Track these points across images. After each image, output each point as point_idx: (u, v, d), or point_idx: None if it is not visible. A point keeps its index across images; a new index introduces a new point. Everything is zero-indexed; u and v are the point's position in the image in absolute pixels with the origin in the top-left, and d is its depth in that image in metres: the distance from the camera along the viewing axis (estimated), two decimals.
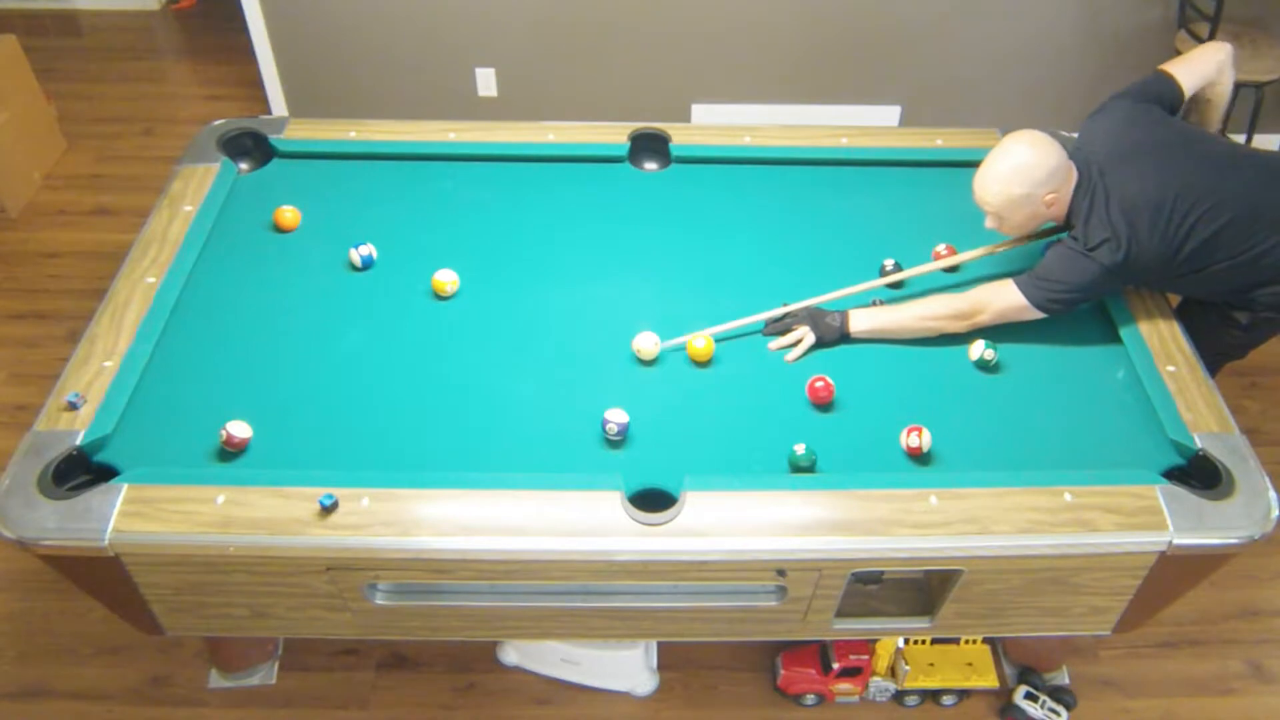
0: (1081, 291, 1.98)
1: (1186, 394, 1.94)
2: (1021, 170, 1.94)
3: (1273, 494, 1.77)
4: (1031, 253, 2.21)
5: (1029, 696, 2.31)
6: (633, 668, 2.34)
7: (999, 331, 2.06)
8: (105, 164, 4.02)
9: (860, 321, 2.07)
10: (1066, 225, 2.06)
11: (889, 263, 2.23)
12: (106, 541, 1.66)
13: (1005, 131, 2.04)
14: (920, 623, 2.00)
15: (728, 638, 2.26)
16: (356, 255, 2.21)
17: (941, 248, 2.25)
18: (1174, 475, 1.82)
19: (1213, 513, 1.73)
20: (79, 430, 1.81)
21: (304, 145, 2.51)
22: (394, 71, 3.94)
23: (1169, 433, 1.88)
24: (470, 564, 1.73)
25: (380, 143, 2.52)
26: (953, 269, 2.24)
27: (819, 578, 1.80)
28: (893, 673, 2.33)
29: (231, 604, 1.87)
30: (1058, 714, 2.29)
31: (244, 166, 2.49)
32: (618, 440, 1.87)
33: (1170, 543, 1.72)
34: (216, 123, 2.54)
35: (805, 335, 2.06)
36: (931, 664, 2.32)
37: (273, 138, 2.52)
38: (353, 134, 2.54)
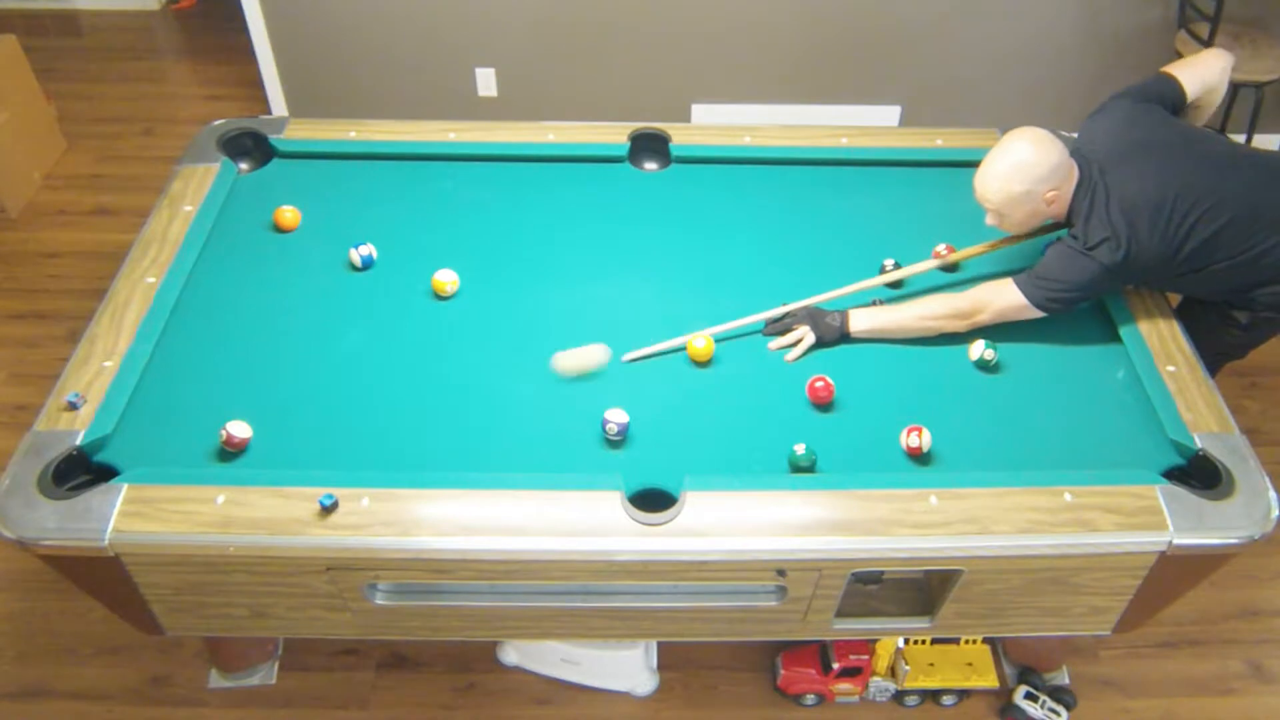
0: (1081, 291, 1.98)
1: (1186, 394, 1.94)
2: (1023, 167, 1.94)
3: (1273, 494, 1.77)
4: (1032, 252, 2.21)
5: (1029, 696, 2.31)
6: (633, 668, 2.34)
7: (999, 331, 2.06)
8: (105, 164, 4.02)
9: (860, 321, 2.07)
10: (1066, 224, 2.05)
11: (889, 263, 2.23)
12: (106, 541, 1.66)
13: (1005, 131, 2.04)
14: (920, 623, 2.00)
15: (728, 638, 2.26)
16: (356, 255, 2.21)
17: (941, 248, 2.25)
18: (1174, 475, 1.82)
19: (1213, 513, 1.73)
20: (79, 430, 1.81)
21: (304, 145, 2.52)
22: (394, 71, 3.94)
23: (1169, 433, 1.88)
24: (470, 564, 1.74)
25: (380, 143, 2.52)
26: (952, 268, 2.24)
27: (819, 578, 1.80)
28: (893, 673, 2.33)
29: (231, 604, 1.87)
30: (1058, 714, 2.29)
31: (244, 166, 2.49)
32: (618, 440, 1.87)
33: (1170, 543, 1.72)
34: (216, 123, 2.54)
35: (805, 335, 2.06)
36: (931, 664, 2.32)
37: (273, 138, 2.52)
38: (353, 134, 2.54)
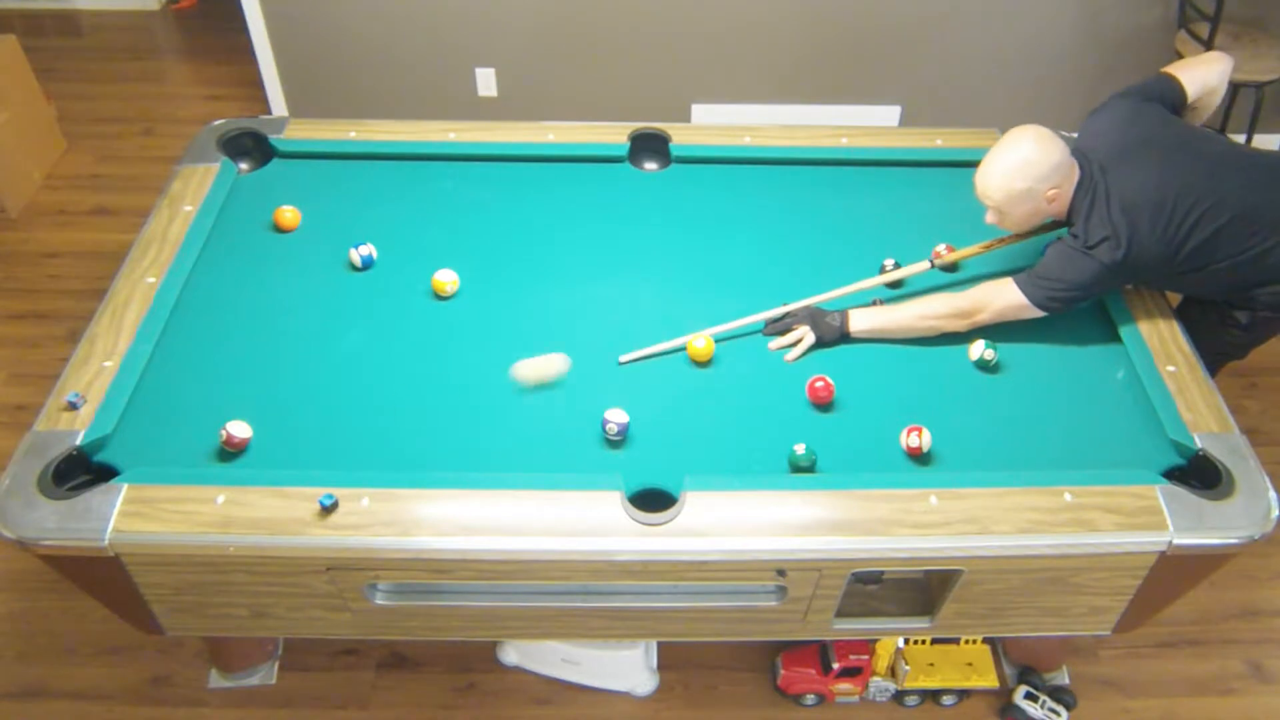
0: (1082, 290, 1.98)
1: (1186, 394, 1.94)
2: (1024, 165, 1.94)
3: (1273, 494, 1.77)
4: (1032, 252, 2.21)
5: (1029, 696, 2.31)
6: (633, 668, 2.34)
7: (999, 331, 2.06)
8: (105, 164, 4.02)
9: (860, 321, 2.07)
10: (1067, 223, 2.05)
11: (889, 263, 2.23)
12: (106, 541, 1.66)
13: (1005, 131, 2.04)
14: (920, 623, 2.00)
15: (728, 638, 2.26)
16: (356, 255, 2.21)
17: (941, 248, 2.25)
18: (1174, 475, 1.82)
19: (1213, 513, 1.73)
20: (79, 430, 1.81)
21: (304, 145, 2.52)
22: (394, 71, 3.94)
23: (1169, 433, 1.88)
24: (470, 564, 1.74)
25: (380, 143, 2.52)
26: (952, 268, 2.24)
27: (819, 578, 1.80)
28: (893, 673, 2.33)
29: (231, 604, 1.87)
30: (1058, 714, 2.29)
31: (244, 166, 2.49)
32: (618, 440, 1.87)
33: (1170, 543, 1.72)
34: (216, 123, 2.54)
35: (805, 335, 2.06)
36: (931, 664, 2.32)
37: (273, 138, 2.52)
38: (353, 134, 2.54)
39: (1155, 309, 2.13)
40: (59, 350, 3.17)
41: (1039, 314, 2.01)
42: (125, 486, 1.71)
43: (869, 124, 3.57)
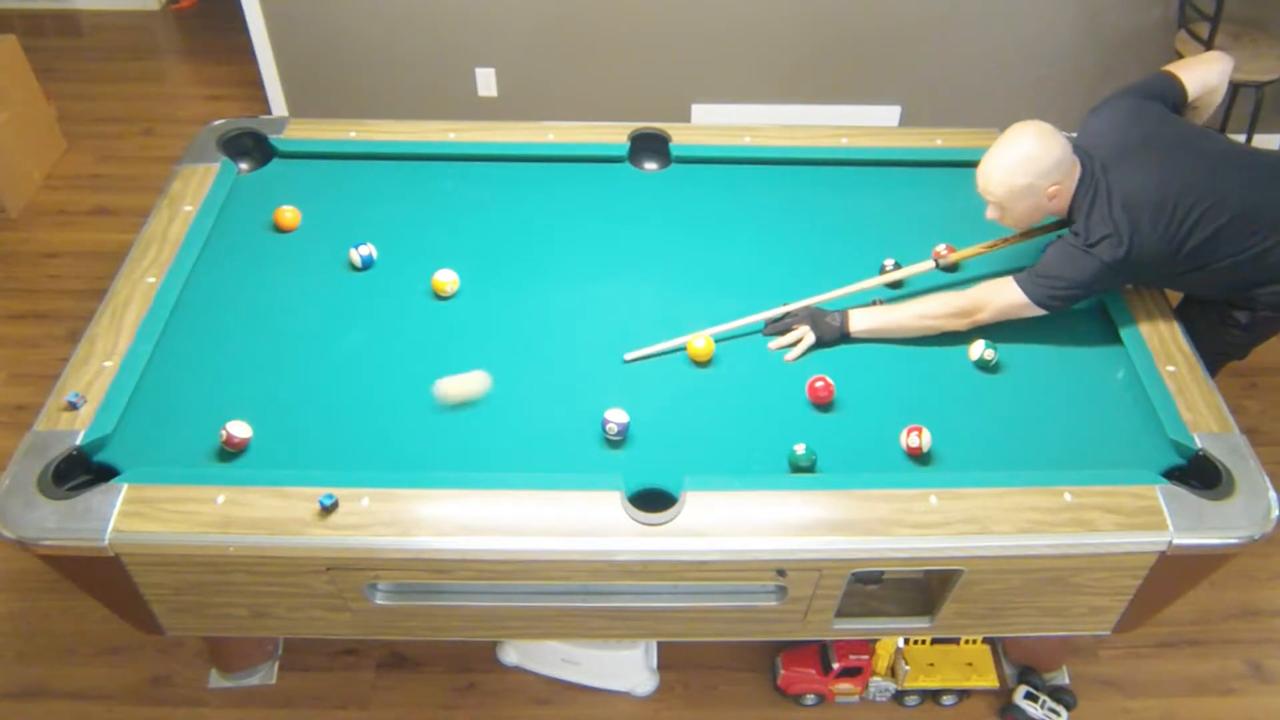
0: (1082, 288, 1.98)
1: (1186, 394, 1.94)
2: (1026, 161, 1.93)
3: (1273, 494, 1.77)
4: (1032, 253, 2.21)
5: (1029, 696, 2.31)
6: (633, 668, 2.34)
7: (999, 331, 2.06)
8: (105, 164, 4.02)
9: (860, 321, 2.07)
10: (1068, 220, 2.05)
11: (889, 263, 2.23)
12: (106, 541, 1.66)
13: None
14: (920, 623, 2.00)
15: (728, 638, 2.26)
16: (356, 255, 2.21)
17: (941, 248, 2.25)
18: (1174, 475, 1.82)
19: (1213, 513, 1.73)
20: (79, 430, 1.81)
21: (304, 145, 2.52)
22: (394, 71, 3.94)
23: (1169, 433, 1.88)
24: (470, 564, 1.74)
25: (380, 143, 2.52)
26: (952, 268, 2.24)
27: (819, 578, 1.80)
28: (893, 673, 2.33)
29: (231, 604, 1.87)
30: (1058, 714, 2.29)
31: (244, 166, 2.49)
32: (618, 440, 1.87)
33: (1170, 543, 1.72)
34: (216, 123, 2.54)
35: (805, 335, 2.06)
36: (931, 664, 2.32)
37: (273, 138, 2.52)
38: (353, 134, 2.54)
39: (1155, 309, 2.13)
40: (59, 350, 3.17)
41: (1039, 312, 2.01)
42: (125, 486, 1.71)
43: (869, 124, 3.57)
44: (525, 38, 3.83)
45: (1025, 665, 2.41)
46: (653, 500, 1.76)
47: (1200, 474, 1.82)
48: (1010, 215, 2.02)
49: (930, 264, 2.18)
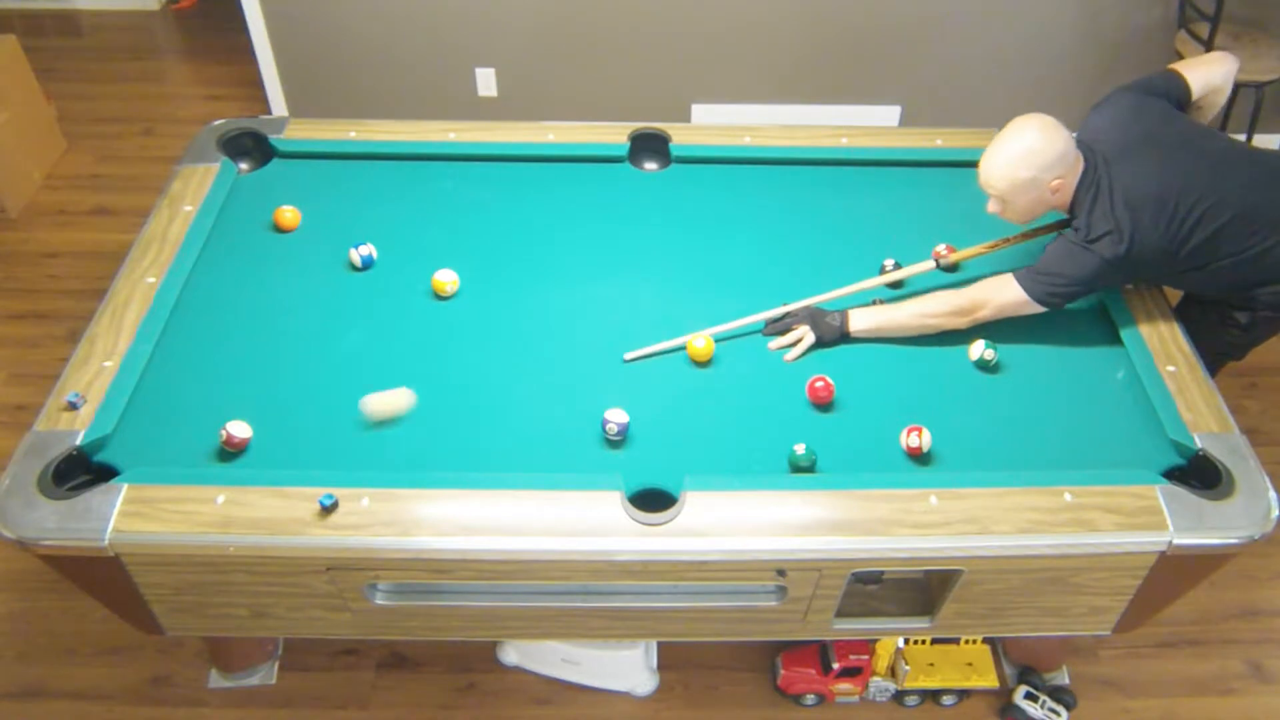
0: (1082, 285, 1.97)
1: (1186, 394, 1.94)
2: (1030, 154, 1.92)
3: (1273, 494, 1.77)
4: (1034, 254, 2.21)
5: (1029, 696, 2.31)
6: (633, 668, 2.34)
7: (999, 331, 2.06)
8: (105, 164, 4.02)
9: (860, 321, 2.07)
10: (1069, 215, 2.04)
11: (889, 263, 2.23)
12: (106, 541, 1.66)
13: None
14: (920, 623, 2.00)
15: (728, 638, 2.26)
16: (356, 255, 2.21)
17: (941, 248, 2.25)
18: (1174, 475, 1.82)
19: (1213, 513, 1.73)
20: (79, 430, 1.81)
21: (304, 145, 2.51)
22: (394, 71, 3.94)
23: (1169, 433, 1.88)
24: (470, 564, 1.73)
25: (380, 143, 2.52)
26: (952, 269, 2.24)
27: (819, 578, 1.80)
28: (893, 673, 2.33)
29: (231, 604, 1.87)
30: (1058, 714, 2.29)
31: (244, 166, 2.49)
32: (618, 440, 1.87)
33: (1170, 543, 1.72)
34: (216, 123, 2.54)
35: (805, 335, 2.06)
36: (931, 664, 2.32)
37: (273, 138, 2.52)
38: (353, 134, 2.54)
39: (1155, 309, 2.13)
40: (59, 350, 3.17)
41: (1040, 309, 2.01)
42: (125, 486, 1.71)
43: (869, 124, 3.57)
44: (525, 38, 3.83)
45: (1025, 665, 2.41)
46: (653, 500, 1.76)
47: (1200, 474, 1.82)
48: (1012, 209, 2.01)
49: (931, 264, 2.18)
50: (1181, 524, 1.72)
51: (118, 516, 1.68)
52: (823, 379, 1.94)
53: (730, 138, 2.57)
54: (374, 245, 2.23)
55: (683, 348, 2.05)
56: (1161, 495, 1.75)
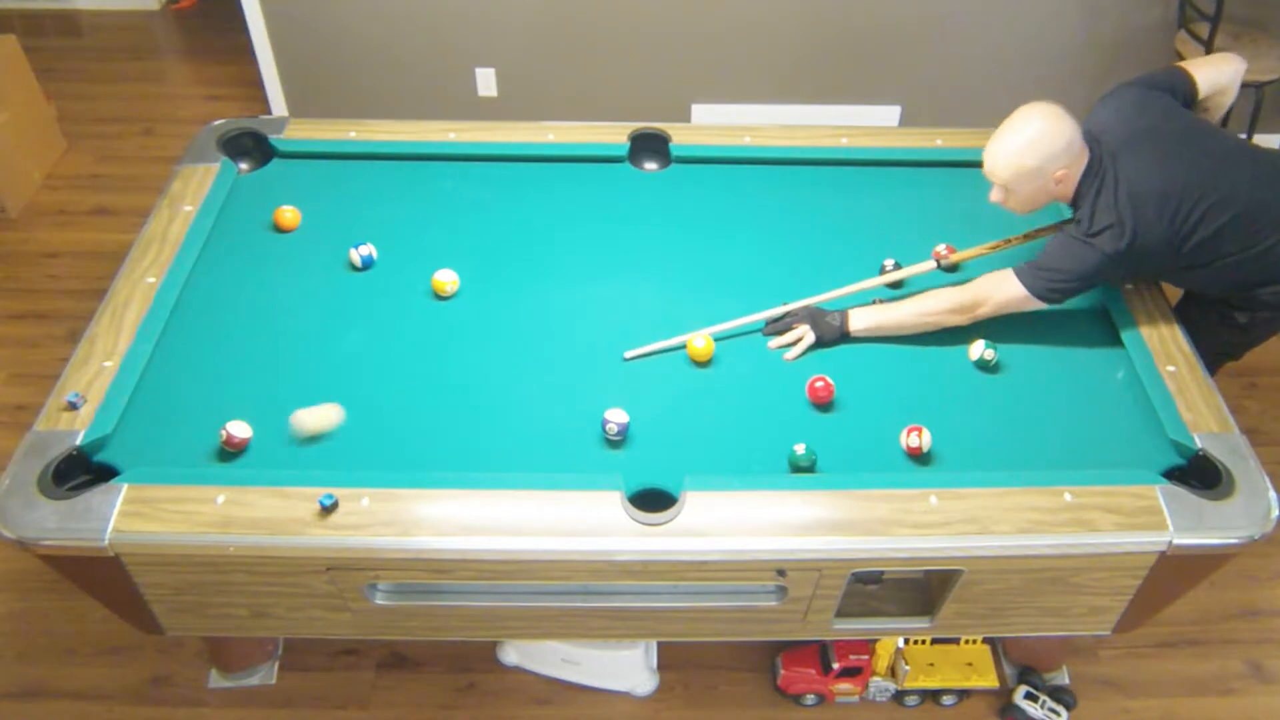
0: (1083, 280, 1.96)
1: (1186, 394, 1.94)
2: (1036, 142, 1.90)
3: (1273, 494, 1.77)
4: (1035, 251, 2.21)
5: (1029, 696, 2.31)
6: (633, 668, 2.34)
7: (999, 331, 2.06)
8: (105, 164, 4.02)
9: (860, 320, 2.07)
10: (1072, 207, 2.02)
11: (889, 263, 2.23)
12: (106, 541, 1.66)
13: None
14: (920, 623, 2.00)
15: (728, 638, 2.26)
16: (356, 255, 2.21)
17: (942, 248, 2.25)
18: (1174, 475, 1.82)
19: (1213, 513, 1.73)
20: (79, 430, 1.81)
21: (304, 145, 2.52)
22: (394, 71, 3.94)
23: (1169, 433, 1.88)
24: (470, 564, 1.74)
25: (380, 143, 2.52)
26: (952, 269, 2.24)
27: (819, 578, 1.80)
28: (893, 673, 2.33)
29: (231, 604, 1.87)
30: (1058, 714, 2.29)
31: (244, 166, 2.49)
32: (618, 440, 1.87)
33: (1170, 543, 1.72)
34: (216, 123, 2.54)
35: (805, 334, 2.06)
36: (931, 664, 2.32)
37: (273, 138, 2.52)
38: (353, 134, 2.54)
39: (1155, 309, 2.13)
40: (59, 350, 3.17)
41: (1040, 305, 2.00)
42: (125, 486, 1.71)
43: (869, 124, 3.57)
44: (525, 38, 3.83)
45: (1025, 665, 2.41)
46: (653, 500, 1.76)
47: (1200, 474, 1.82)
48: (1015, 198, 1.98)
49: (931, 264, 2.18)
50: (1181, 524, 1.72)
51: (118, 516, 1.68)
52: (823, 379, 1.94)
53: (730, 138, 2.57)
54: (374, 245, 2.23)
55: (683, 347, 2.05)
56: (1161, 495, 1.75)
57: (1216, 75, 2.13)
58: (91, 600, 1.95)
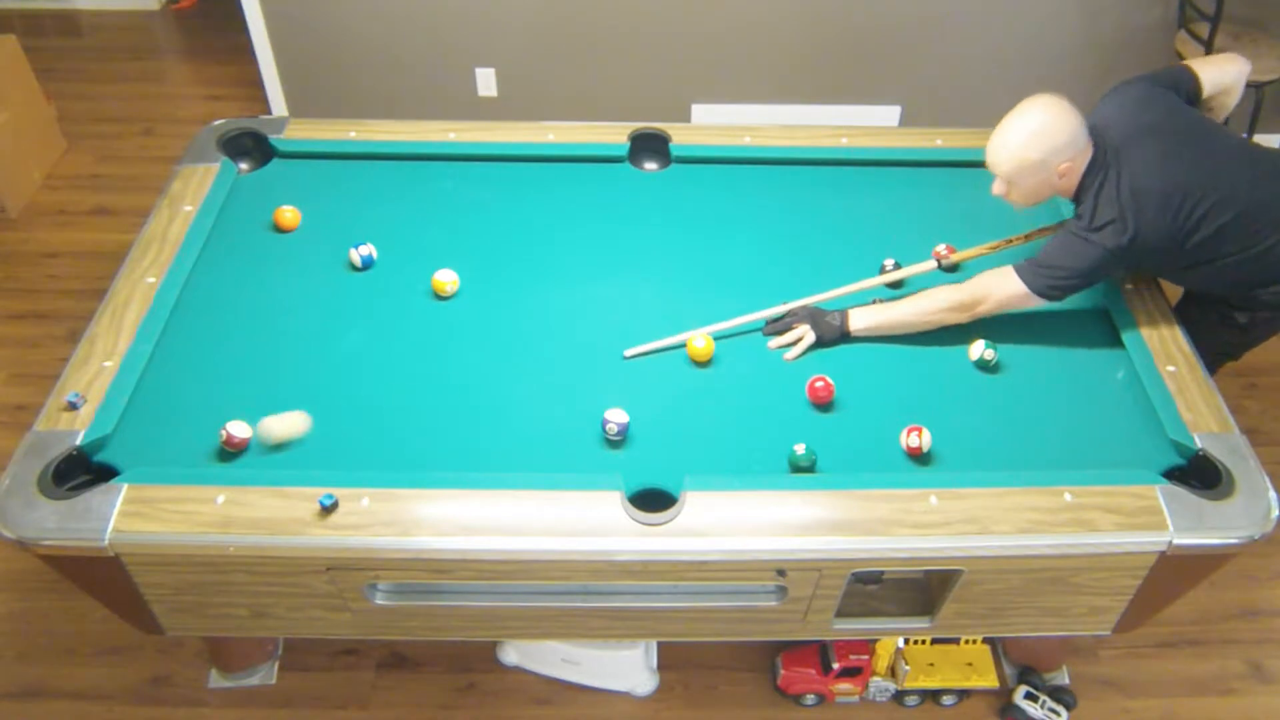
0: (1084, 277, 1.95)
1: (1186, 394, 1.94)
2: (1041, 135, 1.89)
3: (1273, 494, 1.77)
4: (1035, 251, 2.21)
5: (1029, 696, 2.31)
6: (633, 668, 2.34)
7: (999, 331, 2.06)
8: (105, 164, 4.02)
9: (860, 320, 2.07)
10: (1074, 201, 2.01)
11: (889, 263, 2.23)
12: (106, 541, 1.66)
13: None
14: (920, 623, 2.00)
15: (728, 638, 2.26)
16: (356, 255, 2.21)
17: (942, 248, 2.25)
18: (1174, 475, 1.82)
19: (1213, 513, 1.73)
20: (79, 430, 1.81)
21: (304, 145, 2.51)
22: (394, 71, 3.94)
23: (1169, 433, 1.88)
24: (470, 564, 1.74)
25: (380, 143, 2.52)
26: (952, 269, 2.24)
27: (819, 578, 1.80)
28: (893, 673, 2.33)
29: (231, 604, 1.87)
30: (1058, 714, 2.29)
31: (244, 166, 2.49)
32: (618, 440, 1.87)
33: (1170, 543, 1.72)
34: (216, 123, 2.54)
35: (805, 334, 2.06)
36: (931, 664, 2.32)
37: (273, 138, 2.51)
38: (353, 134, 2.54)
39: (1155, 309, 2.13)
40: (59, 350, 3.17)
41: (1041, 303, 1.99)
42: (125, 486, 1.71)
43: (869, 124, 3.57)
44: (525, 38, 3.83)
45: (1025, 665, 2.41)
46: (653, 500, 1.76)
47: (1200, 474, 1.82)
48: (1017, 190, 1.97)
49: (932, 264, 2.17)
50: (1181, 524, 1.72)
51: (118, 516, 1.68)
52: (823, 379, 1.94)
53: (730, 138, 2.57)
54: (374, 245, 2.23)
55: (683, 345, 2.05)
56: (1161, 495, 1.75)
57: (1221, 75, 2.12)
58: (91, 600, 1.95)
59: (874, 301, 2.14)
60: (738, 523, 1.72)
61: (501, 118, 3.58)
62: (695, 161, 2.54)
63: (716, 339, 2.06)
